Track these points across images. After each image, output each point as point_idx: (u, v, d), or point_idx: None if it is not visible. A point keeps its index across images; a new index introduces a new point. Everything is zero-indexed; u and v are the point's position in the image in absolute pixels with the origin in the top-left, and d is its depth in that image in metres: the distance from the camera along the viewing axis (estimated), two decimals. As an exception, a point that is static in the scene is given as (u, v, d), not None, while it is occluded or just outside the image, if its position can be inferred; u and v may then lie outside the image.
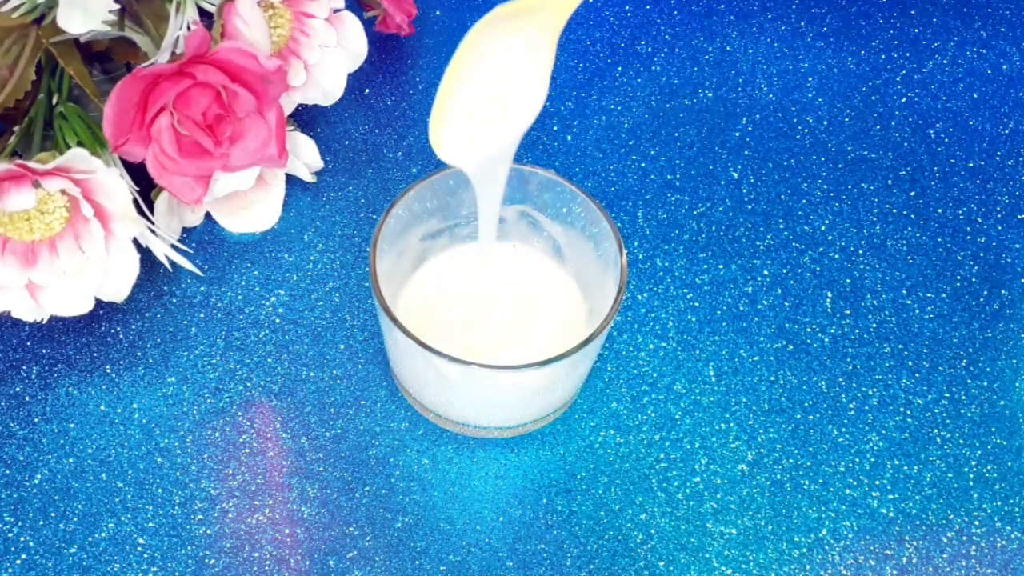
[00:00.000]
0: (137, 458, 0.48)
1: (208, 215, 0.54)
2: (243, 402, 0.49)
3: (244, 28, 0.48)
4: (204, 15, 0.50)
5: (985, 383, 0.51)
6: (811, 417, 0.50)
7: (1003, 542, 0.47)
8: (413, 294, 0.48)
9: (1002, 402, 0.50)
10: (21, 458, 0.47)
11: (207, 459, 0.48)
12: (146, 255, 0.49)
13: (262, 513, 0.46)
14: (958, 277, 0.54)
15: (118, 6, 0.48)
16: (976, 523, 0.47)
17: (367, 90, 0.60)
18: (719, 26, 0.64)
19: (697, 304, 0.53)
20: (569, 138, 0.58)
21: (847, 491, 0.48)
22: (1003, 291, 0.54)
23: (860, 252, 0.55)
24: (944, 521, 0.47)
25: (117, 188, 0.46)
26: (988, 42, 0.64)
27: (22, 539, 0.45)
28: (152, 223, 0.50)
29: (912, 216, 0.56)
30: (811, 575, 0.46)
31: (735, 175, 0.57)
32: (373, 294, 0.44)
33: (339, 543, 0.46)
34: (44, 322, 0.47)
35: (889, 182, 0.58)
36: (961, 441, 0.49)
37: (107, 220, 0.46)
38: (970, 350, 0.52)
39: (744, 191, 0.57)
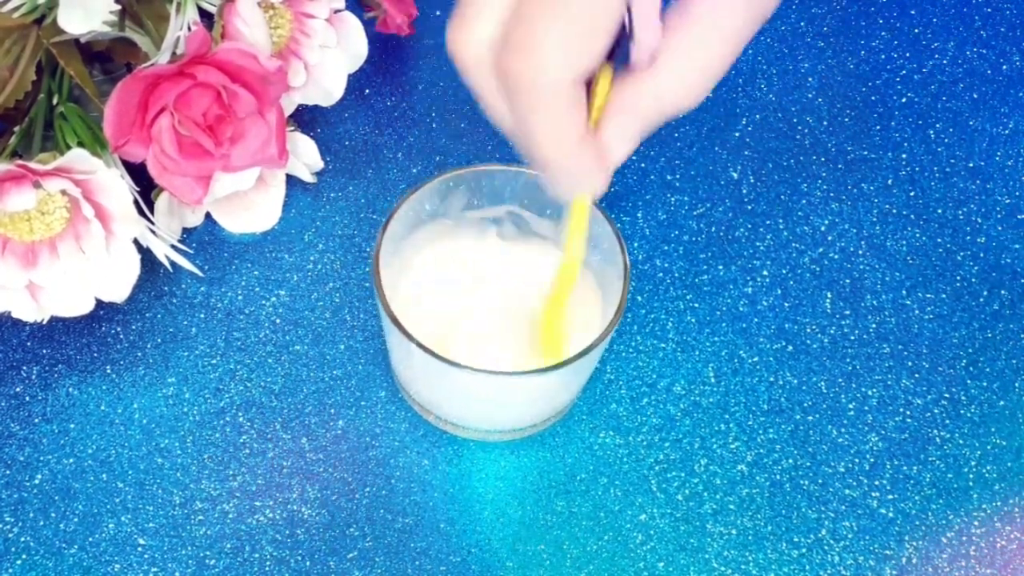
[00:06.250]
0: (137, 458, 0.48)
1: (208, 215, 0.54)
2: (243, 402, 0.49)
3: (244, 28, 0.48)
4: (204, 15, 0.50)
5: (985, 383, 0.51)
6: (811, 418, 0.50)
7: (1003, 542, 0.47)
8: (415, 296, 0.48)
9: (1002, 402, 0.51)
10: (21, 458, 0.47)
11: (207, 460, 0.48)
12: (146, 255, 0.49)
13: (262, 514, 0.46)
14: (958, 277, 0.54)
15: (119, 6, 0.48)
16: (976, 523, 0.47)
17: (367, 90, 0.60)
18: (719, 26, 0.64)
19: (697, 305, 0.53)
20: (569, 138, 0.58)
21: (847, 491, 0.48)
22: (1003, 291, 0.54)
23: (860, 252, 0.55)
24: (944, 521, 0.47)
25: (117, 188, 0.46)
26: (988, 42, 0.64)
27: (22, 539, 0.45)
28: (152, 223, 0.50)
29: (912, 216, 0.56)
30: (811, 575, 0.46)
31: (735, 175, 0.57)
32: (376, 297, 0.44)
33: (339, 544, 0.46)
34: (44, 322, 0.47)
35: (889, 182, 0.58)
36: (961, 441, 0.49)
37: (107, 220, 0.46)
38: (970, 350, 0.52)
39: (744, 191, 0.57)
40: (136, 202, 0.48)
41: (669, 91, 0.32)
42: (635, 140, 0.34)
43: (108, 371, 0.50)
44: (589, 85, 0.34)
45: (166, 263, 0.51)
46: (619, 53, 0.33)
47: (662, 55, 0.32)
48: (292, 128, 0.53)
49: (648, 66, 0.32)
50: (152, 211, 0.50)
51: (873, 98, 0.61)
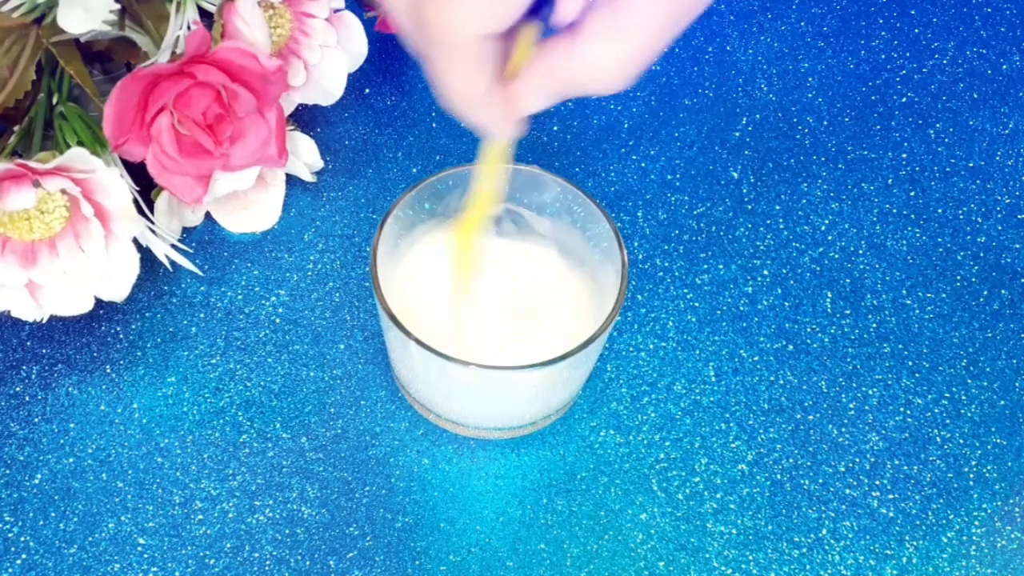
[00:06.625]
0: (137, 458, 0.48)
1: (208, 215, 0.54)
2: (243, 402, 0.49)
3: (244, 28, 0.48)
4: (204, 15, 0.50)
5: (985, 383, 0.51)
6: (811, 417, 0.50)
7: (1003, 542, 0.47)
8: (414, 294, 0.48)
9: (1002, 402, 0.51)
10: (21, 458, 0.47)
11: (207, 459, 0.48)
12: (146, 255, 0.49)
13: (262, 513, 0.46)
14: (958, 277, 0.54)
15: (118, 6, 0.48)
16: (976, 523, 0.47)
17: (367, 90, 0.60)
18: (719, 26, 0.64)
19: (697, 304, 0.53)
20: (569, 138, 0.58)
21: (847, 491, 0.48)
22: (1003, 291, 0.54)
23: (860, 252, 0.55)
24: (944, 521, 0.47)
25: (117, 188, 0.46)
26: (988, 42, 0.64)
27: (22, 539, 0.45)
28: (152, 223, 0.50)
29: (912, 216, 0.56)
30: (811, 575, 0.46)
31: (735, 175, 0.57)
32: (374, 294, 0.44)
33: (339, 543, 0.46)
34: (44, 322, 0.47)
35: (889, 182, 0.58)
36: (961, 441, 0.49)
37: (107, 220, 0.46)
38: (970, 350, 0.52)
39: (744, 191, 0.57)
40: (136, 201, 0.48)
41: (594, 69, 0.33)
42: (550, 100, 0.35)
43: (108, 371, 0.50)
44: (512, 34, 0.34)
45: (166, 263, 0.51)
46: (543, 13, 0.33)
47: (595, 32, 0.32)
48: (292, 128, 0.53)
49: (567, 30, 0.33)
50: (152, 211, 0.50)
51: (873, 98, 0.61)
